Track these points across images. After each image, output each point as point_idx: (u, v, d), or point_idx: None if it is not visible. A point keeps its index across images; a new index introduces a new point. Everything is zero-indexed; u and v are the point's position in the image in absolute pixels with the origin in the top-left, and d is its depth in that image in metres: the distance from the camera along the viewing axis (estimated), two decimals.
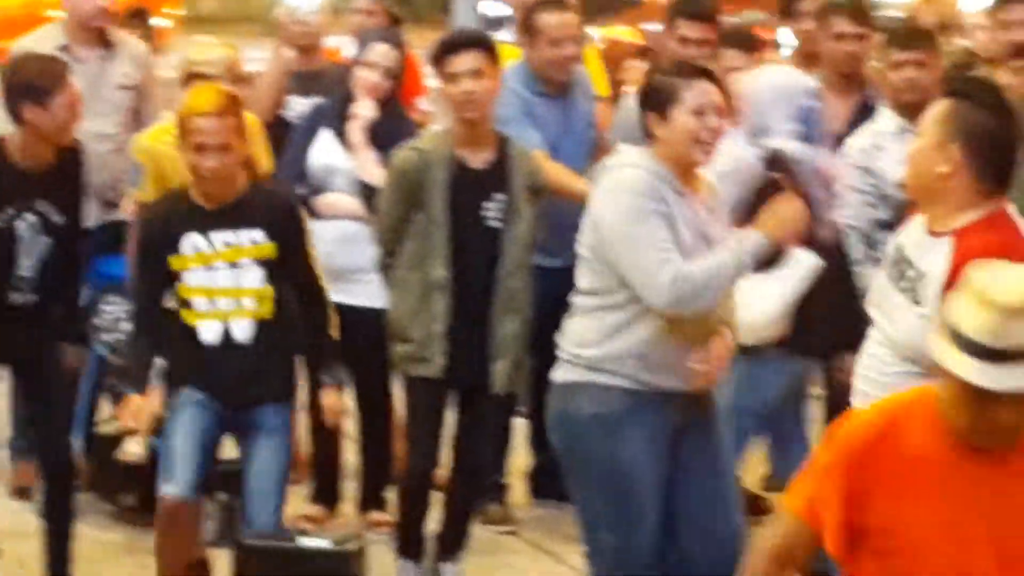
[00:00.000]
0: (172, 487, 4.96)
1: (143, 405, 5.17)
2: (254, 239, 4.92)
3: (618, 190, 4.36)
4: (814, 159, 5.67)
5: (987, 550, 2.78)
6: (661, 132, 4.30)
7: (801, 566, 3.04)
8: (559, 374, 4.46)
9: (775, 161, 5.59)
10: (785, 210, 4.69)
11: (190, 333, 5.06)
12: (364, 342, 5.67)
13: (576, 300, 4.50)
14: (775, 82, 5.94)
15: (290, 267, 5.01)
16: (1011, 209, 4.05)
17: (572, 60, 6.47)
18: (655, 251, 4.14)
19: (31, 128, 5.10)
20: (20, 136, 5.25)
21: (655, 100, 4.44)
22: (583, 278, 4.46)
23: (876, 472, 2.76)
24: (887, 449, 2.78)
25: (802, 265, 5.23)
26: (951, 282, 3.56)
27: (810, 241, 5.34)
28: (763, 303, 5.19)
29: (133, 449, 5.97)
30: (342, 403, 5.50)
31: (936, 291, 3.74)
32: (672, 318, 4.21)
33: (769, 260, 4.92)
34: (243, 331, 4.96)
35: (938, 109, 3.79)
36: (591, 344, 4.36)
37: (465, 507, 5.57)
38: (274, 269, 4.95)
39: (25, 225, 5.36)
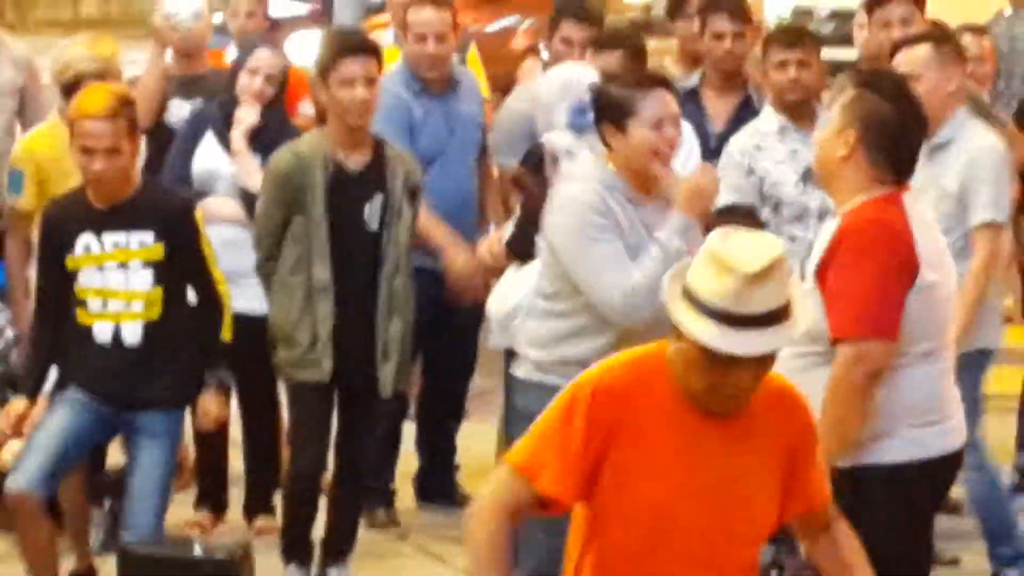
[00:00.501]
0: (14, 479, 4.95)
1: (25, 411, 5.10)
2: (143, 241, 4.94)
3: (569, 207, 4.45)
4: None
5: (704, 498, 2.93)
6: (618, 144, 4.36)
7: (518, 521, 3.16)
8: (517, 369, 4.60)
9: (530, 156, 5.72)
10: (699, 183, 4.77)
11: (85, 334, 5.07)
12: (248, 347, 5.63)
13: (534, 301, 4.60)
14: (560, 78, 6.01)
15: (182, 269, 5.01)
16: (908, 196, 4.12)
17: (437, 57, 6.55)
18: (605, 270, 4.24)
19: None
20: None
21: (612, 112, 4.49)
22: (541, 281, 4.57)
23: (620, 416, 2.84)
24: (631, 398, 2.87)
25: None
26: (827, 259, 3.80)
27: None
28: None
29: (5, 457, 5.72)
30: (227, 408, 5.49)
31: (814, 267, 3.84)
32: (627, 329, 4.27)
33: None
34: (132, 333, 4.95)
35: (844, 97, 3.92)
36: (542, 346, 4.46)
37: (351, 511, 5.63)
38: (164, 271, 4.94)
39: None
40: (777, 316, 2.71)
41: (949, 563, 5.67)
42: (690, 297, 2.70)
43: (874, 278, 3.95)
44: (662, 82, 4.85)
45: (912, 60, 6.31)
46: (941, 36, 6.90)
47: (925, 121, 4.19)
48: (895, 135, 4.10)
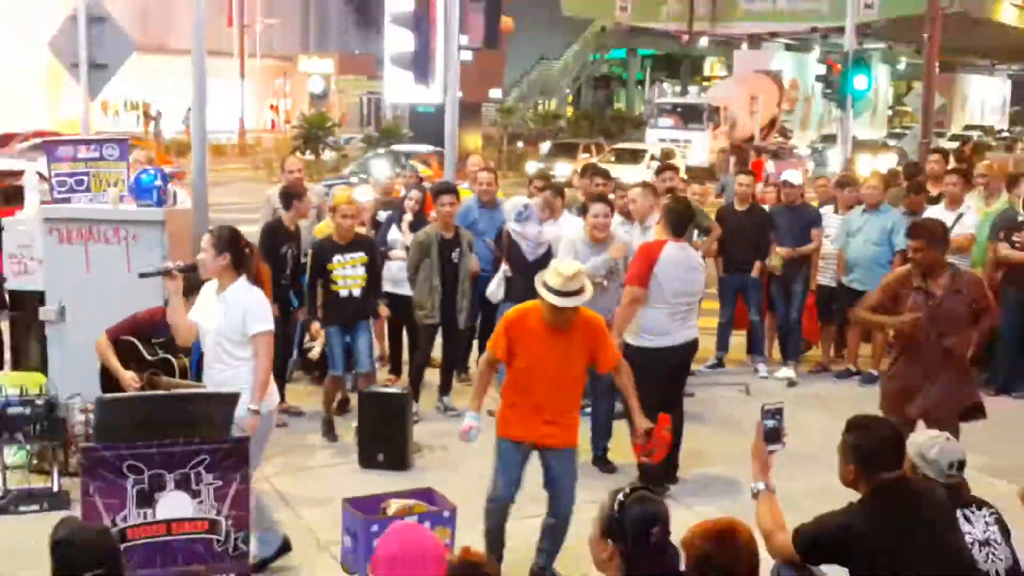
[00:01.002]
0: (334, 368, 9.34)
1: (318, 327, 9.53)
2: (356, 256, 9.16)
3: (564, 242, 8.74)
4: None
5: (555, 374, 6.10)
6: (587, 220, 8.55)
7: (490, 378, 6.41)
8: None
9: (499, 234, 10.29)
10: (620, 245, 8.61)
11: (335, 295, 9.03)
12: (405, 309, 10.14)
13: None
14: (512, 201, 10.26)
15: (371, 270, 9.40)
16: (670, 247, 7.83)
17: (489, 193, 10.69)
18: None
19: None
20: None
21: (582, 209, 9.28)
22: None
23: (518, 331, 6.07)
24: (524, 321, 6.08)
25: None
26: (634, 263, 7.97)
27: None
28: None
29: (316, 351, 9.78)
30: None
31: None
32: None
33: None
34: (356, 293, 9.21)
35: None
36: None
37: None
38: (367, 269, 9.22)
39: None
40: (578, 292, 5.77)
41: None
42: (545, 284, 5.77)
43: (640, 267, 7.75)
44: (601, 198, 9.07)
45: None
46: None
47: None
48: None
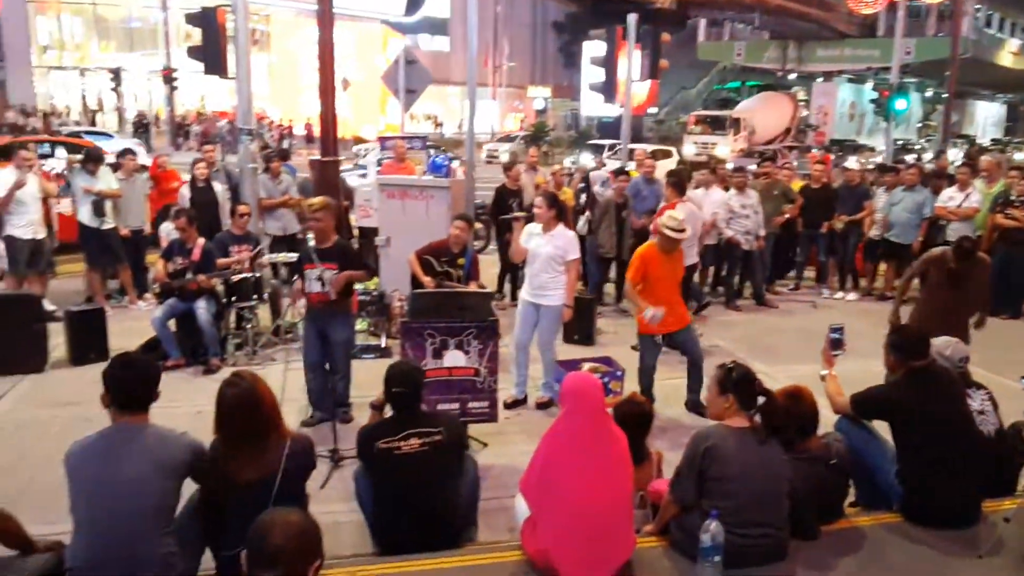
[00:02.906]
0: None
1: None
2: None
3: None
4: None
5: (670, 283, 5.90)
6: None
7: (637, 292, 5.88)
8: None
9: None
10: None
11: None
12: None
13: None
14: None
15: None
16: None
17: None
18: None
19: None
20: None
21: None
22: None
23: (645, 260, 5.81)
24: (648, 254, 5.83)
25: None
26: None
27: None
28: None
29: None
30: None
31: None
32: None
33: None
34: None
35: None
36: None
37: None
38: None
39: None
40: (684, 230, 5.77)
41: None
42: (666, 226, 5.70)
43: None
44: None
45: None
46: None
47: None
48: None
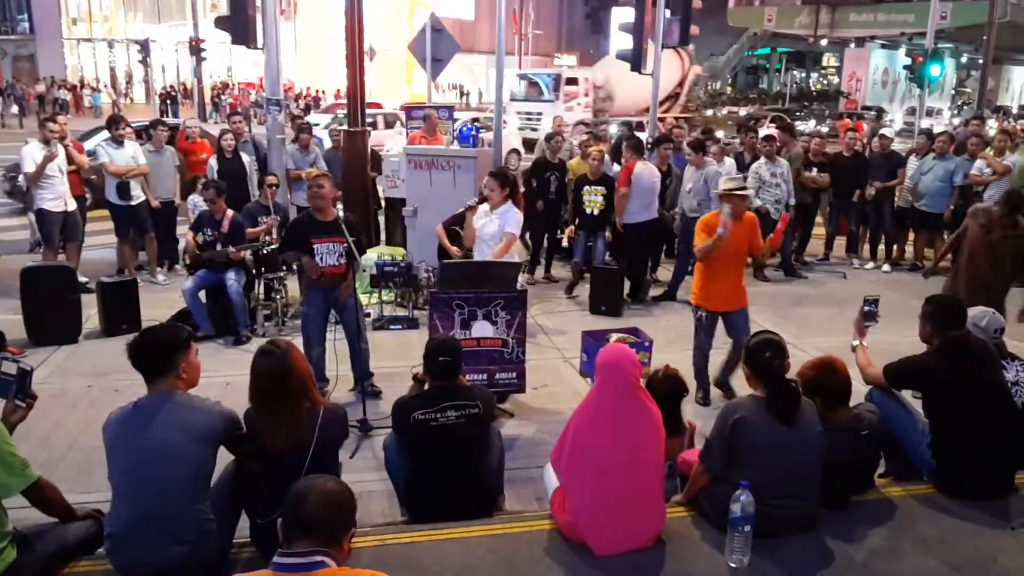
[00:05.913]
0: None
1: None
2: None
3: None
4: None
5: (737, 255, 5.55)
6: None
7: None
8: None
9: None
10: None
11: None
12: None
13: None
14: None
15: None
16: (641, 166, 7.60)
17: None
18: None
19: None
20: None
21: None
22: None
23: (712, 223, 5.44)
24: (714, 221, 5.42)
25: None
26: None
27: None
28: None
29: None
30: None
31: None
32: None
33: None
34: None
35: None
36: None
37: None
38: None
39: None
40: (745, 188, 5.60)
41: None
42: (727, 189, 5.39)
43: (623, 176, 7.85)
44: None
45: None
46: None
47: None
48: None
